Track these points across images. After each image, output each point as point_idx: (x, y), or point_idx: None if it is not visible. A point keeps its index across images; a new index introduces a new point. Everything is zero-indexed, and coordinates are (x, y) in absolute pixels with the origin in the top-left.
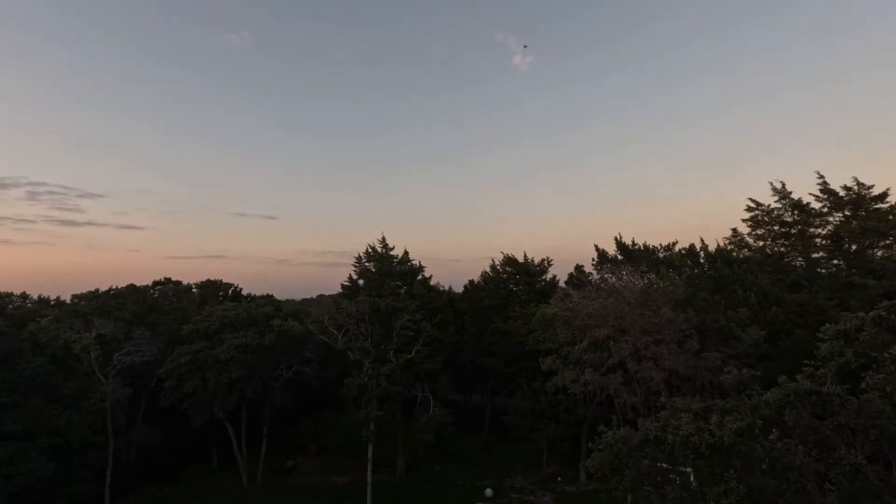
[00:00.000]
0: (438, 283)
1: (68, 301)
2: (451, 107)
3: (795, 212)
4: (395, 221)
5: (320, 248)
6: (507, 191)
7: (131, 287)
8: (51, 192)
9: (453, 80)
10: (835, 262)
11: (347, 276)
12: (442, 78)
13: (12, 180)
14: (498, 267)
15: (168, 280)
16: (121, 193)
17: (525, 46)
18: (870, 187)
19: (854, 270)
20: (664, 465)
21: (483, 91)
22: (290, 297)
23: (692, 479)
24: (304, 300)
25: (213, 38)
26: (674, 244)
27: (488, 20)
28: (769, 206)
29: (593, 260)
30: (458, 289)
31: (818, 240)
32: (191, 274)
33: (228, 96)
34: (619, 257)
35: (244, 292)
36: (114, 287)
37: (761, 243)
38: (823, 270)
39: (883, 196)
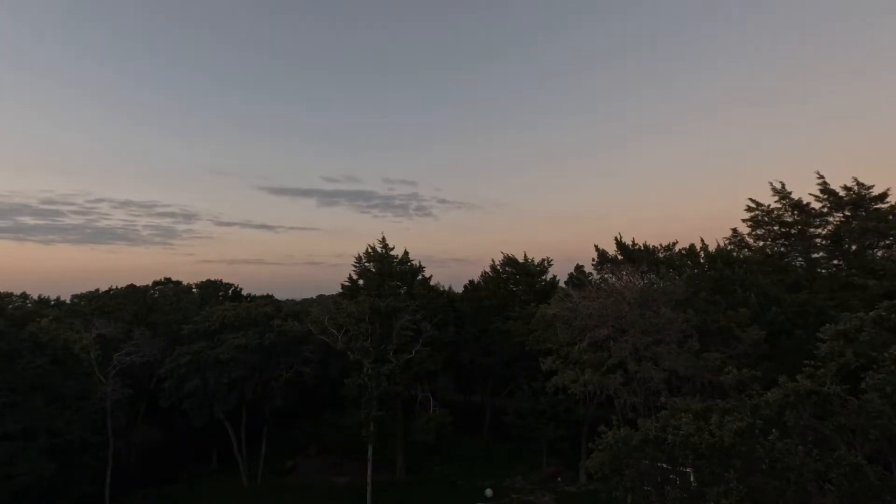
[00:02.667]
0: (438, 283)
1: (68, 301)
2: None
3: (795, 212)
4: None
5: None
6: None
7: (131, 287)
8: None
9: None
10: (835, 262)
11: (347, 276)
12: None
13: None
14: (498, 267)
15: (168, 280)
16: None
17: None
18: (870, 187)
19: (854, 270)
20: (664, 466)
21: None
22: (289, 298)
23: (692, 479)
24: (304, 300)
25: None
26: (674, 244)
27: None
28: (769, 206)
29: (593, 260)
30: (459, 289)
31: (818, 240)
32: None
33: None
34: (619, 257)
35: (244, 292)
36: (114, 287)
37: (761, 243)
38: (823, 270)
39: (883, 196)
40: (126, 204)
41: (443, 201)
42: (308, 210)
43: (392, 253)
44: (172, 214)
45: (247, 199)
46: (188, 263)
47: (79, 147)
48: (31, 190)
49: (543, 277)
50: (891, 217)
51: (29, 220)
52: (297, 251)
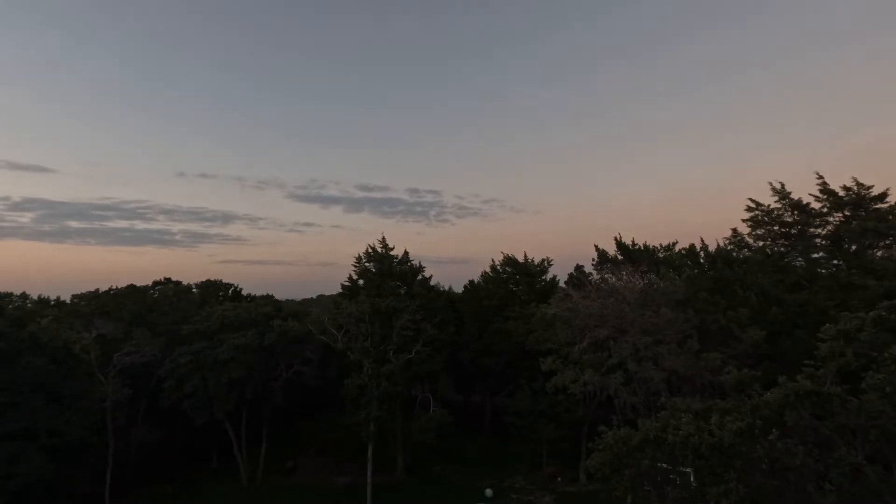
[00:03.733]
0: (438, 283)
1: (68, 301)
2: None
3: (795, 212)
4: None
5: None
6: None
7: (131, 287)
8: None
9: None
10: (835, 262)
11: (347, 276)
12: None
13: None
14: (498, 267)
15: (168, 280)
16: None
17: None
18: (870, 187)
19: (854, 270)
20: (664, 466)
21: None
22: (290, 298)
23: (692, 479)
24: (304, 300)
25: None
26: (674, 244)
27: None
28: (769, 206)
29: (593, 260)
30: (459, 289)
31: (818, 240)
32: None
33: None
34: (619, 257)
35: (244, 292)
36: (114, 287)
37: (761, 243)
38: (823, 270)
39: (883, 196)
40: (163, 210)
41: (462, 208)
42: (335, 216)
43: (392, 253)
44: (208, 219)
45: (278, 206)
46: (209, 264)
47: (120, 153)
48: (84, 196)
49: (543, 277)
50: (891, 217)
51: (74, 224)
52: (316, 252)
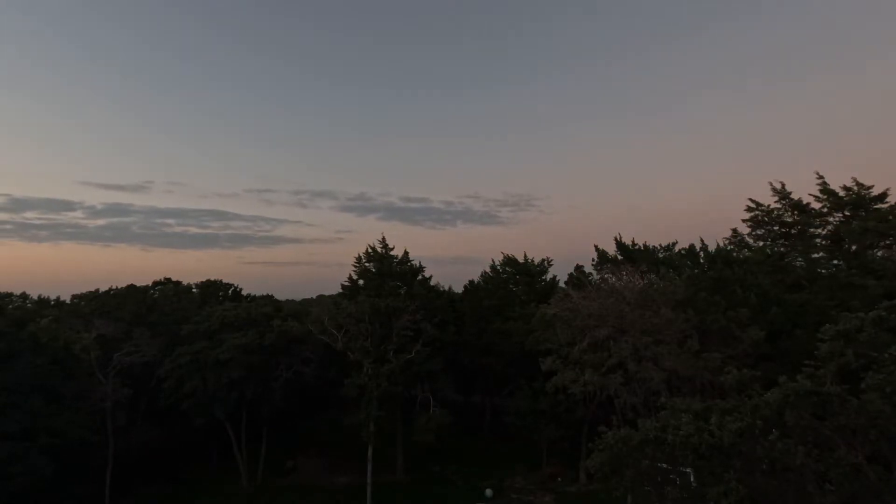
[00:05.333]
0: (438, 283)
1: (68, 301)
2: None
3: (795, 212)
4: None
5: None
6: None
7: (131, 287)
8: None
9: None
10: (835, 262)
11: (347, 276)
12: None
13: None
14: (498, 267)
15: (168, 280)
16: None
17: None
18: (870, 187)
19: (854, 270)
20: (664, 466)
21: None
22: (290, 298)
23: (692, 479)
24: (304, 300)
25: None
26: (674, 244)
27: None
28: (769, 206)
29: (593, 260)
30: (458, 289)
31: (818, 240)
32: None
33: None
34: (619, 257)
35: (244, 292)
36: (114, 287)
37: (761, 243)
38: (823, 270)
39: (883, 196)
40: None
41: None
42: (369, 224)
43: (392, 253)
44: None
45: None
46: (234, 265)
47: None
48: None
49: (543, 277)
50: (891, 217)
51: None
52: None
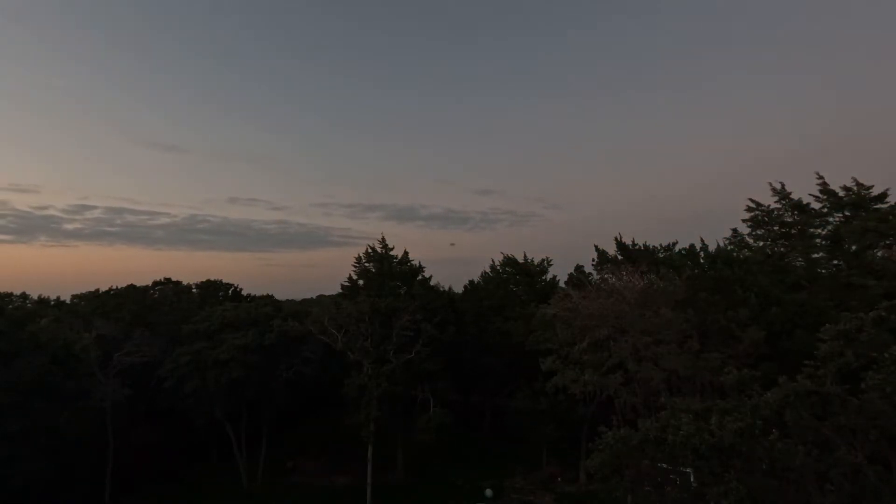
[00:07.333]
0: (438, 283)
1: (68, 301)
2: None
3: (795, 212)
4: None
5: None
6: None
7: (131, 287)
8: None
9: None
10: (835, 262)
11: (347, 276)
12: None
13: None
14: (498, 267)
15: (168, 280)
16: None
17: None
18: (870, 187)
19: (854, 270)
20: (664, 466)
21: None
22: (290, 298)
23: (692, 479)
24: (304, 300)
25: None
26: (674, 244)
27: None
28: (769, 206)
29: (593, 260)
30: (459, 289)
31: (818, 240)
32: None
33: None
34: (619, 257)
35: (244, 292)
36: (114, 287)
37: (761, 243)
38: (823, 270)
39: (883, 196)
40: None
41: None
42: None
43: (392, 253)
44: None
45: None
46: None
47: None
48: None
49: (543, 277)
50: (891, 217)
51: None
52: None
